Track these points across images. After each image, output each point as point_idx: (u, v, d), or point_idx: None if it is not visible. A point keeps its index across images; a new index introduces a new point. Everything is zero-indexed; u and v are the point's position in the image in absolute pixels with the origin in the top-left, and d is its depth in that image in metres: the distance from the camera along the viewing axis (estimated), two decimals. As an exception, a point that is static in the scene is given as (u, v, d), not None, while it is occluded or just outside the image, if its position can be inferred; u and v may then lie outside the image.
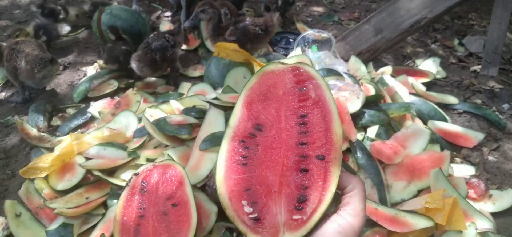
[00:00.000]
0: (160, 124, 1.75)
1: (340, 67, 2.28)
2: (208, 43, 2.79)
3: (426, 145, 1.81)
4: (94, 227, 1.56)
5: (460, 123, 2.25)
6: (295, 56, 2.37)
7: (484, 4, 3.60)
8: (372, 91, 2.08)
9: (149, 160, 1.68)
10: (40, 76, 2.23)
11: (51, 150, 1.89)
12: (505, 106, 2.42)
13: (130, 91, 2.18)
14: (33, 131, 2.05)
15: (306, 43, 2.63)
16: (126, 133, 1.90)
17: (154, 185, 1.42)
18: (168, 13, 3.38)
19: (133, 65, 2.37)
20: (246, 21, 2.56)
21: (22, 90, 2.36)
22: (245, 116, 0.76)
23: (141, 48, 2.42)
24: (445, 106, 2.34)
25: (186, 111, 1.86)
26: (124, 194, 1.41)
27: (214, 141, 1.60)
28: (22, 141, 2.08)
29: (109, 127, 1.92)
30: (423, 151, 1.80)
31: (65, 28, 2.94)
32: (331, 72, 2.13)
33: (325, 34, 2.65)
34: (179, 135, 1.72)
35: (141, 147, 1.78)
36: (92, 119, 2.15)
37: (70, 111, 2.30)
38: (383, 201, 1.60)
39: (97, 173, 1.66)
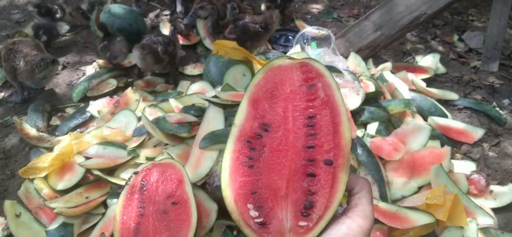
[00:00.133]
0: (159, 123, 1.74)
1: (340, 64, 2.28)
2: (207, 42, 2.79)
3: (426, 141, 1.81)
4: (94, 226, 1.56)
5: (460, 119, 2.25)
6: (295, 53, 2.36)
7: (483, 0, 3.60)
8: (372, 88, 2.07)
9: (148, 159, 1.68)
10: (40, 76, 2.23)
11: (50, 149, 1.89)
12: (506, 101, 2.42)
13: (129, 90, 2.17)
14: (32, 131, 2.05)
15: (305, 40, 2.63)
16: (125, 132, 1.89)
17: (153, 183, 1.42)
18: (167, 12, 3.37)
19: (136, 53, 2.35)
20: (246, 19, 2.56)
21: (20, 91, 2.35)
22: (251, 115, 0.73)
23: (143, 40, 2.44)
24: (445, 102, 2.33)
25: (186, 109, 1.85)
26: (123, 193, 1.40)
27: (214, 139, 1.60)
28: (21, 141, 2.08)
29: (108, 126, 1.91)
30: (424, 147, 1.79)
31: (65, 27, 2.93)
32: (330, 69, 2.12)
33: (324, 31, 2.65)
34: (178, 133, 1.72)
35: (141, 145, 1.78)
36: (91, 118, 2.15)
37: (69, 111, 2.30)
38: (383, 197, 1.60)
39: (96, 172, 1.66)
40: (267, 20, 2.59)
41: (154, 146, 1.79)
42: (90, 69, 2.64)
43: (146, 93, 2.32)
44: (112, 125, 1.93)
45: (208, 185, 1.51)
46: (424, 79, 2.48)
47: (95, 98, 2.29)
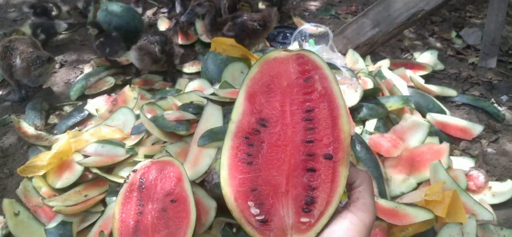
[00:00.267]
0: (157, 120, 1.74)
1: (338, 61, 2.28)
2: (204, 37, 2.79)
3: (424, 137, 1.81)
4: (93, 224, 1.55)
5: (458, 115, 2.25)
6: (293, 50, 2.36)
7: (481, -4, 3.61)
8: (370, 85, 2.08)
9: (147, 157, 1.67)
10: (36, 74, 2.22)
11: (48, 148, 1.88)
12: (504, 98, 2.42)
13: (127, 88, 2.17)
14: (30, 129, 2.04)
15: (303, 38, 2.63)
16: (123, 130, 1.89)
17: (152, 181, 1.41)
18: (165, 10, 3.37)
19: (133, 54, 2.35)
20: (244, 17, 2.55)
21: (18, 89, 2.34)
22: (248, 110, 0.71)
23: (141, 40, 2.43)
24: (444, 99, 2.34)
25: (184, 107, 1.85)
26: (122, 191, 1.40)
27: (212, 136, 1.60)
28: (19, 140, 2.07)
29: (106, 124, 1.91)
30: (422, 144, 1.79)
31: (63, 25, 2.92)
32: (329, 66, 2.12)
33: (322, 28, 2.64)
34: (177, 131, 1.71)
35: (139, 143, 1.78)
36: (90, 116, 2.14)
37: (67, 109, 2.29)
38: (382, 194, 1.60)
39: (95, 171, 1.65)
40: (265, 17, 2.59)
41: (153, 144, 1.79)
42: (87, 68, 2.63)
43: (144, 91, 2.32)
44: (110, 123, 1.93)
45: (206, 183, 1.51)
46: (422, 76, 2.48)
47: (93, 96, 2.28)
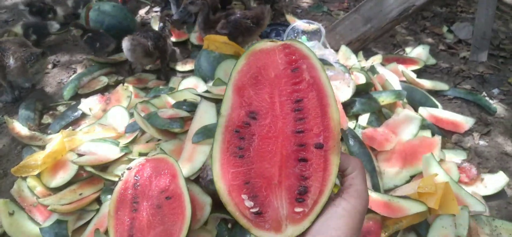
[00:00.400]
0: (151, 118, 1.74)
1: (330, 57, 2.28)
2: (193, 36, 2.82)
3: (417, 131, 1.83)
4: (88, 223, 1.56)
5: (450, 109, 2.27)
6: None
7: (471, -9, 3.63)
8: (362, 80, 2.09)
9: (141, 154, 1.68)
10: (33, 71, 2.21)
11: (42, 148, 1.88)
12: (495, 91, 2.44)
13: (120, 87, 2.17)
14: (24, 130, 2.04)
15: (296, 34, 2.64)
16: (117, 129, 1.89)
17: (147, 178, 1.42)
18: (157, 9, 3.36)
19: (125, 44, 2.34)
20: (237, 14, 2.56)
21: (10, 90, 2.33)
22: (237, 103, 0.71)
23: (134, 34, 2.43)
24: (436, 93, 2.36)
25: (178, 105, 1.85)
26: (117, 189, 1.41)
27: (206, 133, 1.60)
28: (13, 140, 2.06)
29: (100, 123, 1.91)
30: (415, 137, 1.81)
31: (55, 26, 2.90)
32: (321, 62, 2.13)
33: (314, 25, 2.66)
34: (171, 129, 1.72)
35: (133, 141, 1.78)
36: (83, 115, 2.14)
37: (61, 109, 2.29)
38: (376, 187, 1.61)
39: (89, 169, 1.66)
40: (258, 15, 2.60)
41: (147, 142, 1.79)
42: (80, 67, 2.63)
43: (137, 90, 2.32)
44: (104, 121, 1.93)
45: (201, 179, 1.52)
46: (414, 71, 2.49)
47: (86, 96, 2.28)
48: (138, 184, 1.41)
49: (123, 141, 1.78)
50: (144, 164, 1.46)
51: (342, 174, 0.70)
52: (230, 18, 2.54)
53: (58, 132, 2.01)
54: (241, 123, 0.71)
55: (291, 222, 0.65)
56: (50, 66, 2.67)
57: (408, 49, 2.81)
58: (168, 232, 1.31)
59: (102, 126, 1.89)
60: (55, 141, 1.75)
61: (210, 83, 2.02)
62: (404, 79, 2.33)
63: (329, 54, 2.33)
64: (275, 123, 0.70)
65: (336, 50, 2.55)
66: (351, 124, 1.86)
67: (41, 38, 2.84)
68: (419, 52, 2.72)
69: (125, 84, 2.35)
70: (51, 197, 1.59)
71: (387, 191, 1.65)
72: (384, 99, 1.99)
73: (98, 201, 1.63)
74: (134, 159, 1.58)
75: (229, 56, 2.19)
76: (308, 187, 0.66)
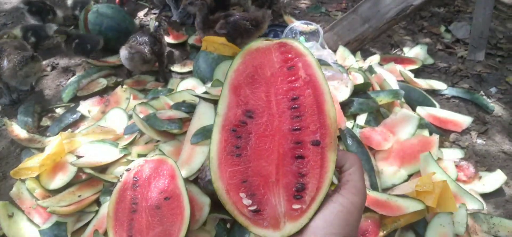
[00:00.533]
0: (150, 120, 1.75)
1: (329, 57, 2.29)
2: (191, 38, 2.83)
3: (415, 130, 1.83)
4: (87, 224, 1.56)
5: (448, 108, 2.27)
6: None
7: (469, -9, 3.64)
8: (360, 80, 2.09)
9: (140, 156, 1.68)
10: (22, 74, 2.21)
11: (42, 150, 1.88)
12: (493, 90, 2.45)
13: (119, 89, 2.18)
14: (23, 132, 2.04)
15: (294, 35, 2.64)
16: (116, 130, 1.90)
17: (146, 179, 1.43)
18: (156, 11, 3.37)
19: (123, 53, 2.35)
20: (237, 16, 2.56)
21: (8, 92, 2.34)
22: (233, 103, 0.72)
23: (129, 41, 2.43)
24: (433, 92, 2.36)
25: (176, 106, 1.86)
26: (116, 190, 1.41)
27: (205, 134, 1.61)
28: (12, 143, 2.07)
29: (99, 125, 1.92)
30: (413, 136, 1.81)
31: (54, 28, 2.91)
32: (319, 62, 2.13)
33: (312, 26, 2.66)
34: (169, 130, 1.72)
35: (132, 143, 1.79)
36: (82, 118, 2.15)
37: (60, 111, 2.29)
38: (374, 186, 1.62)
39: (88, 171, 1.66)
40: (258, 18, 2.60)
41: (146, 143, 1.80)
42: (79, 70, 2.63)
43: (136, 92, 2.32)
44: (103, 123, 1.94)
45: (200, 180, 1.52)
46: (412, 70, 2.50)
47: (85, 98, 2.28)
48: (137, 185, 1.42)
49: (122, 143, 1.78)
50: (143, 165, 1.47)
51: (339, 170, 0.71)
52: (229, 19, 2.54)
53: (57, 134, 2.01)
54: (238, 122, 0.71)
55: (289, 219, 0.66)
56: (49, 68, 2.68)
57: (406, 49, 2.82)
58: (167, 233, 1.32)
59: (101, 127, 1.89)
60: (54, 143, 1.76)
61: (209, 85, 2.02)
62: (402, 79, 2.34)
63: (327, 54, 2.33)
64: (272, 121, 0.71)
65: (334, 51, 2.56)
66: (349, 124, 1.87)
67: (40, 40, 2.84)
68: (417, 52, 2.73)
69: (124, 86, 2.35)
70: (50, 199, 1.60)
71: (385, 190, 1.66)
72: (382, 99, 2.00)
73: (97, 202, 1.64)
74: (133, 160, 1.58)
75: (228, 58, 2.19)
76: (306, 184, 0.67)
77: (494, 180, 1.76)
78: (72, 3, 3.16)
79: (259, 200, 0.67)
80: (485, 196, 1.71)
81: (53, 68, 2.71)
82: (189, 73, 2.57)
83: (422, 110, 2.09)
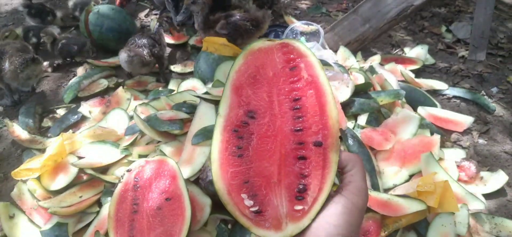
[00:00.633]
0: (151, 120, 1.75)
1: (329, 57, 2.29)
2: (192, 38, 2.83)
3: (416, 130, 1.83)
4: (88, 225, 1.56)
5: (449, 108, 2.27)
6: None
7: (470, -10, 3.63)
8: (361, 80, 2.09)
9: (141, 156, 1.68)
10: (23, 76, 2.21)
11: (43, 151, 1.88)
12: (494, 90, 2.45)
13: (120, 90, 2.18)
14: (24, 133, 2.04)
15: (294, 35, 2.65)
16: (117, 131, 1.90)
17: (147, 180, 1.42)
18: (157, 12, 3.37)
19: (122, 57, 2.35)
20: (237, 16, 2.56)
21: (9, 93, 2.34)
22: (235, 103, 0.72)
23: (128, 44, 2.43)
24: (434, 92, 2.36)
25: (177, 107, 1.86)
26: (117, 191, 1.41)
27: (206, 134, 1.61)
28: (13, 144, 2.07)
29: (100, 126, 1.92)
30: (414, 136, 1.81)
31: (55, 30, 2.91)
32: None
33: (313, 26, 2.66)
34: (170, 130, 1.72)
35: (133, 144, 1.79)
36: (83, 118, 2.15)
37: (61, 112, 2.29)
38: (375, 186, 1.61)
39: (89, 172, 1.66)
40: (258, 18, 2.60)
41: (147, 144, 1.79)
42: (80, 70, 2.63)
43: (137, 92, 2.32)
44: (104, 124, 1.94)
45: (201, 180, 1.52)
46: (413, 70, 2.50)
47: (86, 99, 2.28)
48: (138, 185, 1.42)
49: (123, 143, 1.78)
50: (144, 165, 1.47)
51: (341, 171, 0.70)
52: (230, 19, 2.54)
53: (58, 135, 2.01)
54: (240, 123, 0.71)
55: (291, 220, 0.66)
56: (50, 69, 2.68)
57: (406, 49, 2.81)
58: (168, 233, 1.32)
59: (102, 128, 1.89)
60: (55, 144, 1.75)
61: (210, 85, 2.02)
62: (403, 79, 2.34)
63: (328, 55, 2.33)
64: (274, 122, 0.71)
65: (335, 51, 2.56)
66: (350, 124, 1.87)
67: (41, 42, 2.84)
68: (417, 52, 2.72)
69: (125, 87, 2.35)
70: (51, 200, 1.59)
71: (386, 190, 1.65)
72: (383, 99, 1.99)
73: (98, 203, 1.63)
74: (134, 161, 1.58)
75: (228, 58, 2.19)
76: (308, 185, 0.67)
77: (495, 180, 1.76)
78: (73, 5, 3.16)
79: (261, 200, 0.67)
80: (487, 196, 1.71)
81: (54, 69, 2.71)
82: (190, 74, 2.57)
83: (423, 111, 2.09)
